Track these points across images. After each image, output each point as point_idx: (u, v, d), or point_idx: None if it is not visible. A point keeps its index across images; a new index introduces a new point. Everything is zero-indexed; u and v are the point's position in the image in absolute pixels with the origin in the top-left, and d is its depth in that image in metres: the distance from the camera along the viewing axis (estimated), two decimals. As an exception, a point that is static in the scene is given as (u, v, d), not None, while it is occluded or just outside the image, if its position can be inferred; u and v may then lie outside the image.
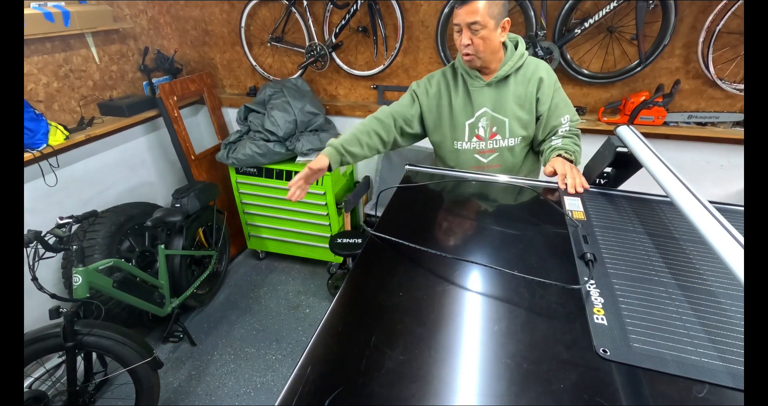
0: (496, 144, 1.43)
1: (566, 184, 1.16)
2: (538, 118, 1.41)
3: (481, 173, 1.30)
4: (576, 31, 2.02)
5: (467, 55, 1.30)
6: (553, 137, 1.39)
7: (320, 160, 1.28)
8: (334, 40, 2.43)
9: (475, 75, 1.37)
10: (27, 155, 1.81)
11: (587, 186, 1.17)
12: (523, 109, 1.39)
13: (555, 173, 1.23)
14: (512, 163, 1.46)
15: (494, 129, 1.42)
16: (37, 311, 1.87)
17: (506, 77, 1.36)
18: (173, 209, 2.19)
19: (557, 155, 1.29)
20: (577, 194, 1.13)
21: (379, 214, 1.09)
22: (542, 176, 1.39)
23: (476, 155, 1.45)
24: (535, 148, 1.49)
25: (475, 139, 1.43)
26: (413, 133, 1.49)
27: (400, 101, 1.47)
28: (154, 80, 2.55)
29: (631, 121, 2.10)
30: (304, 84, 2.56)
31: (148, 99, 2.44)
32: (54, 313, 1.51)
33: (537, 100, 1.38)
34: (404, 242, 0.90)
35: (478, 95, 1.38)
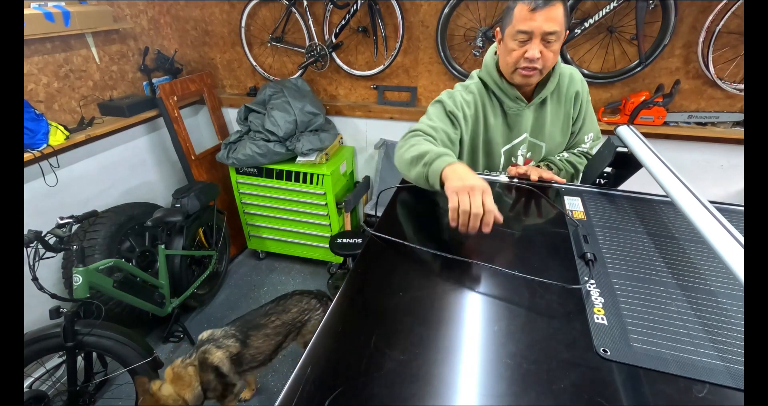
0: None
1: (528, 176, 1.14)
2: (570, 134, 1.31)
3: (481, 173, 1.30)
4: (576, 31, 2.02)
5: (532, 69, 1.07)
6: (564, 152, 1.32)
7: (464, 169, 0.90)
8: (334, 40, 2.43)
9: (515, 95, 1.17)
10: (27, 155, 1.81)
11: (536, 178, 1.11)
12: (561, 131, 1.27)
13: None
14: None
15: (529, 155, 1.28)
16: (37, 311, 1.87)
17: (545, 97, 1.21)
18: (173, 209, 2.19)
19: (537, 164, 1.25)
20: (571, 191, 1.15)
21: (379, 214, 1.09)
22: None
23: None
24: None
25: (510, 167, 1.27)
26: None
27: (439, 124, 1.16)
28: (154, 80, 2.55)
29: (631, 121, 2.10)
30: (304, 84, 2.56)
31: (148, 99, 2.44)
32: (54, 313, 1.52)
33: (573, 118, 1.26)
34: (404, 242, 0.90)
35: (518, 119, 1.21)
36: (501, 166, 1.27)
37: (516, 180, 1.23)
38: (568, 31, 1.14)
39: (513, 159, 1.28)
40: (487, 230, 0.80)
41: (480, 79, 1.22)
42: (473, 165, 1.30)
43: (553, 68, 1.17)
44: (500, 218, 0.81)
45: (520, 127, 1.22)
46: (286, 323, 1.73)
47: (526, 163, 1.29)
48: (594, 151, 1.33)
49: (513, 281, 0.79)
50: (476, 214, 0.78)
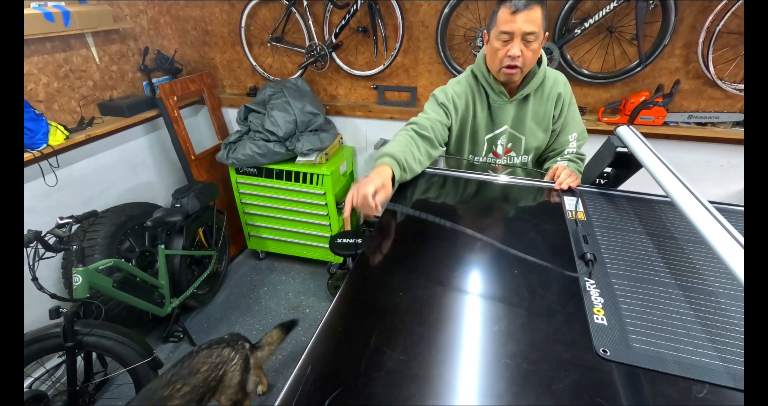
0: (510, 160, 1.42)
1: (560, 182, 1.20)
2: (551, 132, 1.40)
3: (482, 173, 1.30)
4: (576, 31, 2.02)
5: (513, 67, 1.18)
6: (558, 159, 1.39)
7: (383, 172, 1.05)
8: (334, 40, 2.43)
9: (500, 91, 1.29)
10: (27, 155, 1.80)
11: (569, 186, 1.16)
12: (540, 127, 1.37)
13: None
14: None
15: (509, 145, 1.39)
16: (37, 311, 1.87)
17: (527, 94, 1.31)
18: (173, 209, 2.19)
19: None
20: (568, 190, 1.17)
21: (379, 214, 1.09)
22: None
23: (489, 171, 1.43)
24: (539, 161, 1.49)
25: (491, 155, 1.41)
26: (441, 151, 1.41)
27: (433, 115, 1.31)
28: (154, 80, 2.55)
29: (631, 121, 2.10)
30: (304, 84, 2.56)
31: (148, 99, 2.44)
32: (54, 313, 1.51)
33: (553, 117, 1.36)
34: (419, 213, 0.89)
35: (500, 112, 1.33)
36: (483, 152, 1.41)
37: (561, 190, 1.19)
38: (548, 34, 1.22)
39: (494, 147, 1.40)
40: (375, 212, 0.99)
41: (472, 72, 1.34)
42: (459, 150, 1.43)
43: (538, 68, 1.28)
44: (375, 212, 0.98)
45: (502, 119, 1.34)
46: (197, 386, 1.42)
47: (506, 153, 1.41)
48: (582, 150, 1.42)
49: (513, 282, 0.79)
50: (358, 203, 0.97)
